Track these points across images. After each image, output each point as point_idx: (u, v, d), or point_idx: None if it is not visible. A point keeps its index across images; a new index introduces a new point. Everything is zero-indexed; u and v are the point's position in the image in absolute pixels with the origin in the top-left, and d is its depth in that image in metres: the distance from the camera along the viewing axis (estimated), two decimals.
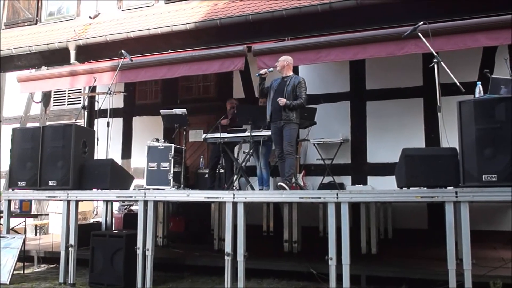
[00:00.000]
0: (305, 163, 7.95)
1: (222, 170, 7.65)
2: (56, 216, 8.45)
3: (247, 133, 6.44)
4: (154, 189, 6.11)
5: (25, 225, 7.60)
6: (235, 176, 6.70)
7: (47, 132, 5.93)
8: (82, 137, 5.98)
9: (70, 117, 9.89)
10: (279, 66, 5.81)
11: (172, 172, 6.38)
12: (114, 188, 5.73)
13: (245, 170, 7.02)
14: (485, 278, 4.49)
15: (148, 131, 8.93)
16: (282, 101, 5.57)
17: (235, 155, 7.08)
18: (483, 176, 4.03)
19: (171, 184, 6.36)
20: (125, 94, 8.67)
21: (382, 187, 6.89)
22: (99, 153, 6.81)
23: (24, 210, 7.96)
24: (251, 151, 6.50)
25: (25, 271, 6.38)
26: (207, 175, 7.50)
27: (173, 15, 8.45)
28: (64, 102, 10.29)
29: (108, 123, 6.50)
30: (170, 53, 7.72)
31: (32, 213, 8.76)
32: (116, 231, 6.14)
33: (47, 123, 9.72)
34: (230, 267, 4.90)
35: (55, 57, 9.16)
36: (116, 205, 7.76)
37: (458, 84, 4.70)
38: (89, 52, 8.73)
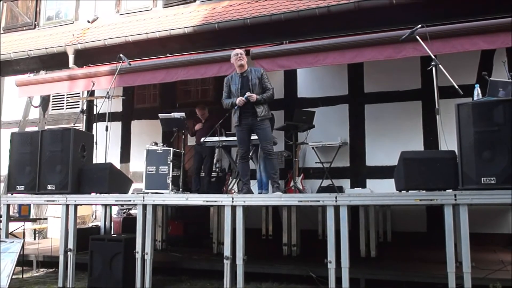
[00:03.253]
0: (304, 166, 7.95)
1: (221, 174, 7.70)
2: (55, 220, 8.43)
3: None
4: (152, 193, 6.10)
5: (24, 230, 7.58)
6: (234, 180, 6.70)
7: (45, 136, 5.92)
8: (80, 141, 5.97)
9: (69, 121, 9.90)
10: (244, 61, 5.50)
11: (170, 176, 6.38)
12: (113, 192, 5.73)
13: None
14: (484, 281, 4.49)
15: (146, 135, 8.93)
16: (253, 97, 5.32)
17: (234, 159, 7.09)
18: (482, 178, 4.04)
19: (170, 188, 6.35)
20: (123, 98, 8.69)
21: (381, 190, 6.91)
22: (98, 157, 6.81)
23: (23, 214, 7.95)
24: (250, 154, 6.49)
25: (24, 276, 6.36)
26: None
27: (171, 19, 8.47)
28: (63, 106, 10.29)
29: (106, 127, 6.49)
30: (168, 57, 7.72)
31: (31, 217, 8.76)
32: (115, 235, 6.14)
33: (46, 127, 9.71)
34: (229, 270, 4.89)
35: (53, 61, 9.18)
36: (115, 209, 7.75)
37: (457, 87, 4.71)
38: (88, 56, 8.74)
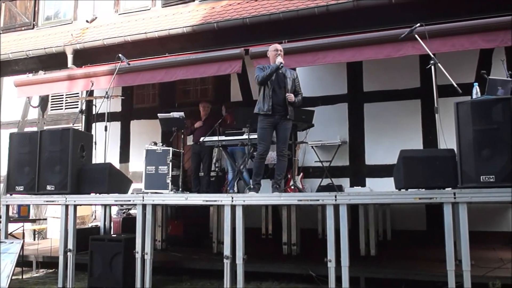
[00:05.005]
0: (303, 165, 7.95)
1: (220, 173, 7.71)
2: (54, 220, 8.42)
3: (245, 136, 6.44)
4: (152, 192, 6.10)
5: (23, 230, 7.58)
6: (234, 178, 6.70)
7: (44, 136, 5.91)
8: (80, 141, 5.96)
9: (68, 121, 9.89)
10: (283, 59, 5.50)
11: (170, 175, 6.38)
12: (112, 192, 5.73)
13: (243, 172, 7.04)
14: (484, 279, 4.50)
15: (146, 135, 8.93)
16: (291, 97, 5.38)
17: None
18: (481, 177, 4.04)
19: (170, 188, 6.35)
20: (122, 98, 8.68)
21: (380, 189, 6.91)
22: (97, 157, 6.80)
23: (22, 215, 7.95)
24: (250, 153, 6.50)
25: (24, 276, 6.35)
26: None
27: (170, 19, 8.46)
28: (62, 106, 10.28)
29: (106, 127, 6.49)
30: (167, 57, 7.72)
31: (31, 218, 8.74)
32: (115, 235, 6.14)
33: (45, 128, 9.71)
34: (229, 270, 4.90)
35: (52, 61, 9.16)
36: (114, 209, 7.75)
37: (455, 85, 4.71)
38: (87, 56, 8.73)
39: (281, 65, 5.38)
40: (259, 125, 5.53)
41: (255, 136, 5.90)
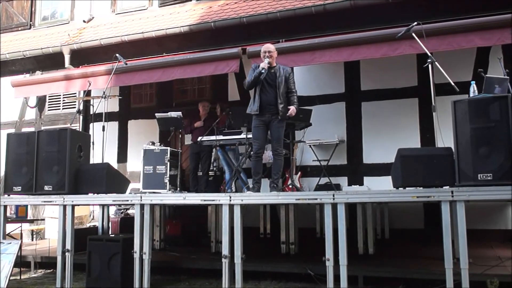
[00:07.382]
0: (301, 164, 7.96)
1: (218, 173, 7.70)
2: (52, 221, 8.41)
3: (242, 135, 6.44)
4: (150, 192, 6.09)
5: (21, 231, 7.56)
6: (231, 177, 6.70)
7: (42, 136, 5.90)
8: (77, 141, 5.95)
9: (65, 121, 9.88)
10: (273, 58, 5.47)
11: (168, 175, 6.37)
12: (110, 192, 5.72)
13: (241, 172, 7.04)
14: (482, 277, 4.50)
15: (143, 135, 8.93)
16: (293, 110, 5.34)
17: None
18: (479, 175, 4.05)
19: (168, 187, 6.34)
20: (120, 97, 8.67)
21: (378, 188, 6.92)
22: (95, 157, 6.79)
23: (20, 215, 7.92)
24: (247, 152, 6.50)
25: (22, 277, 6.35)
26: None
27: (168, 18, 8.45)
28: (59, 106, 10.27)
29: (103, 127, 6.48)
30: (164, 56, 7.72)
31: (28, 218, 8.72)
32: (113, 235, 6.13)
33: (42, 128, 9.69)
34: (227, 269, 4.89)
35: (49, 61, 9.13)
36: (112, 209, 7.74)
37: (453, 83, 4.72)
38: (84, 56, 8.71)
39: (264, 70, 5.32)
40: (252, 124, 5.56)
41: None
